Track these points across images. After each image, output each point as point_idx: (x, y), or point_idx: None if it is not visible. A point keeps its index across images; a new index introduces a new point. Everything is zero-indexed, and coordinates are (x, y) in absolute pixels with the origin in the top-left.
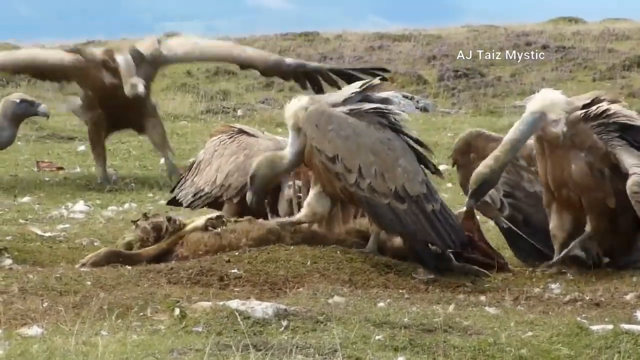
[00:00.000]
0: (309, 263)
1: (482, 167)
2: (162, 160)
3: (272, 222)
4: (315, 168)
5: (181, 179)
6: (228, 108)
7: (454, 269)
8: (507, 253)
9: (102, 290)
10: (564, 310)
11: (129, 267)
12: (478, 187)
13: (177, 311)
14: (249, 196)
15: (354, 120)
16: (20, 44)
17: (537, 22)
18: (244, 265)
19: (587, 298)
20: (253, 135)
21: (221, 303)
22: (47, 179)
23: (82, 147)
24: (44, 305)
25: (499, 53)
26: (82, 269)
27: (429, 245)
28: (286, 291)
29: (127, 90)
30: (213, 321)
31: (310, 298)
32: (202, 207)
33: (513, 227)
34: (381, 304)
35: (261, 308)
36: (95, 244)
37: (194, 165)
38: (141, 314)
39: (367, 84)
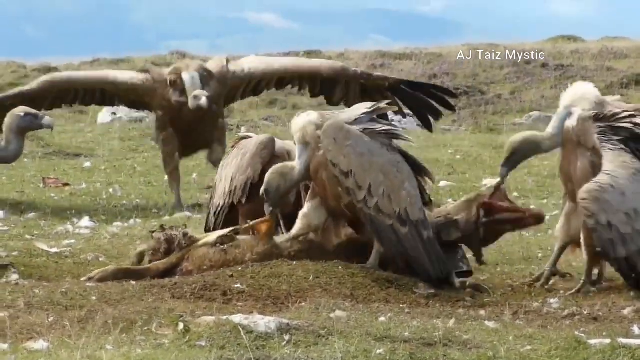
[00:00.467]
0: (311, 278)
1: (518, 139)
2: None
3: (276, 239)
4: (321, 182)
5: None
6: (232, 125)
7: (454, 284)
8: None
9: (107, 305)
10: (562, 325)
11: (134, 282)
12: (509, 155)
13: (180, 326)
14: (266, 209)
15: (369, 139)
16: (27, 63)
17: (537, 40)
18: (247, 280)
19: (585, 312)
20: (248, 136)
21: (224, 317)
22: (53, 195)
23: (87, 164)
24: (49, 320)
25: (499, 71)
26: (87, 284)
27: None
28: (289, 306)
29: (190, 103)
30: (216, 335)
31: (313, 312)
32: (224, 221)
33: None
34: (382, 319)
35: (264, 322)
36: (101, 259)
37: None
38: (145, 328)
39: (377, 106)
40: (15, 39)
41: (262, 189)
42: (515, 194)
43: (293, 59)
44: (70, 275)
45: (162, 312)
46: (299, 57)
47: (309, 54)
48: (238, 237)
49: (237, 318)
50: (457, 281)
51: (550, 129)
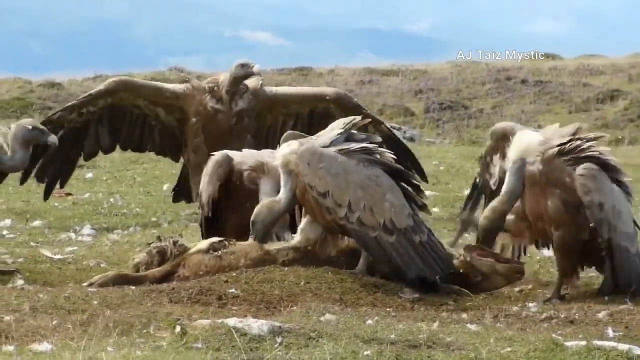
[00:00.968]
0: (302, 283)
1: (483, 220)
2: (165, 187)
3: (270, 246)
4: (308, 203)
5: None
6: None
7: (438, 289)
8: None
9: (107, 308)
10: (540, 328)
11: (133, 287)
12: (484, 237)
13: (178, 328)
14: (251, 238)
15: (344, 159)
16: (32, 79)
17: (517, 58)
18: (241, 285)
19: (562, 316)
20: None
21: (219, 321)
22: (56, 204)
23: (89, 175)
24: (53, 323)
25: (481, 87)
26: (89, 289)
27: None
28: (281, 309)
29: (236, 70)
30: (212, 338)
31: (303, 316)
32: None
33: None
34: (369, 322)
35: (257, 325)
36: (102, 265)
37: None
38: (144, 331)
39: (352, 123)
40: (21, 55)
41: (251, 219)
42: None
43: (312, 88)
44: (72, 280)
45: (160, 316)
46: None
47: (301, 70)
48: (230, 244)
49: (232, 321)
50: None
51: (505, 187)
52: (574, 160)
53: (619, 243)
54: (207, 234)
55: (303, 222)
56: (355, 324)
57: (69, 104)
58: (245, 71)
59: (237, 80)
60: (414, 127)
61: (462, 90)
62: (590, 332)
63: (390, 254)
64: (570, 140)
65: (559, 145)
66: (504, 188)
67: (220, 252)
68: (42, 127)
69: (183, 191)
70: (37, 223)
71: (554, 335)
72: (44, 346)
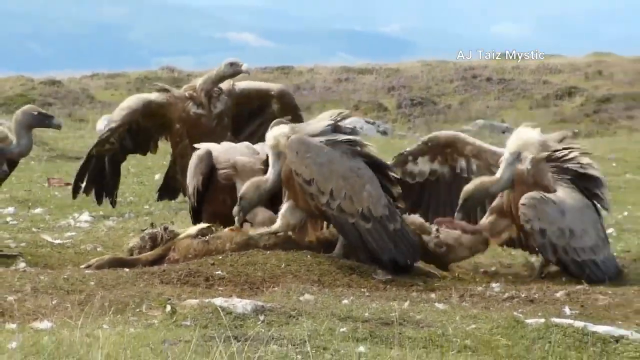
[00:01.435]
0: (283, 265)
1: (469, 185)
2: (157, 177)
3: (252, 231)
4: (292, 187)
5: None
6: None
7: (410, 271)
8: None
9: (103, 289)
10: (502, 306)
11: (127, 270)
12: (462, 203)
13: (168, 308)
14: (235, 212)
15: (329, 150)
16: (34, 77)
17: (482, 58)
18: (227, 267)
19: (523, 295)
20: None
21: (207, 300)
22: (56, 193)
23: None
24: (53, 303)
25: (449, 84)
26: (86, 271)
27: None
28: (263, 290)
29: (226, 70)
30: (200, 316)
31: (284, 296)
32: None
33: None
34: (345, 301)
35: (241, 305)
36: (98, 249)
37: None
38: (137, 310)
39: (341, 115)
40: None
41: (239, 196)
42: None
43: (266, 83)
44: (71, 263)
45: (152, 296)
46: (273, 72)
47: (283, 68)
48: (217, 229)
49: (218, 301)
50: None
51: (499, 174)
52: (557, 168)
53: (575, 259)
54: (195, 221)
55: (284, 208)
56: (332, 303)
57: (99, 139)
58: (234, 69)
59: (224, 79)
60: (386, 121)
61: (432, 88)
62: (549, 311)
63: (366, 239)
64: (563, 148)
65: (552, 151)
66: (498, 174)
67: (207, 237)
68: (45, 112)
69: (168, 190)
70: (38, 210)
71: (515, 314)
72: (45, 324)
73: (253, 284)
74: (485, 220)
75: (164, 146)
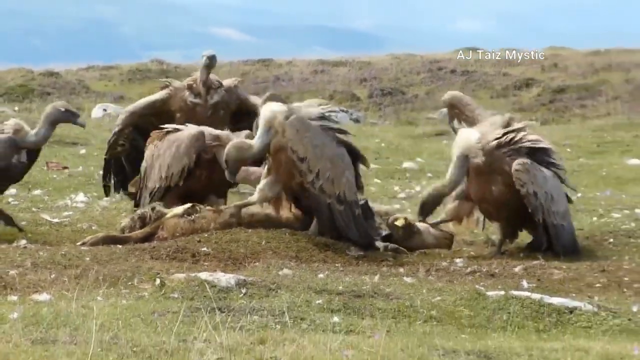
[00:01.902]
0: (263, 243)
1: (425, 194)
2: None
3: (231, 206)
4: (279, 161)
5: (137, 192)
6: None
7: (377, 249)
8: None
9: (98, 264)
10: (465, 280)
11: (120, 246)
12: (422, 208)
13: (157, 281)
14: (228, 177)
15: (323, 134)
16: (33, 68)
17: (446, 51)
18: (212, 244)
19: (484, 270)
20: (178, 130)
21: (193, 275)
22: (55, 176)
23: (83, 151)
24: (51, 277)
25: (416, 76)
26: (82, 248)
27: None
28: (245, 265)
29: (203, 60)
30: (187, 289)
31: (264, 270)
32: (158, 201)
33: None
34: (321, 275)
35: (225, 278)
36: (93, 227)
37: (143, 176)
38: (129, 283)
39: (327, 105)
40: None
41: (223, 159)
42: None
43: None
44: (68, 240)
45: (143, 271)
46: (254, 65)
47: (263, 61)
48: (202, 209)
49: (204, 275)
50: (381, 245)
51: (449, 176)
52: (511, 151)
53: (553, 222)
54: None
55: (262, 182)
56: (309, 277)
57: (109, 143)
58: (205, 60)
59: (207, 69)
60: (359, 110)
61: (400, 79)
62: (508, 284)
63: (337, 218)
64: (505, 134)
65: (496, 139)
66: (448, 176)
67: (193, 216)
68: (73, 109)
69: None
70: (37, 192)
71: (477, 287)
72: (44, 296)
73: (236, 260)
74: (450, 205)
75: None
